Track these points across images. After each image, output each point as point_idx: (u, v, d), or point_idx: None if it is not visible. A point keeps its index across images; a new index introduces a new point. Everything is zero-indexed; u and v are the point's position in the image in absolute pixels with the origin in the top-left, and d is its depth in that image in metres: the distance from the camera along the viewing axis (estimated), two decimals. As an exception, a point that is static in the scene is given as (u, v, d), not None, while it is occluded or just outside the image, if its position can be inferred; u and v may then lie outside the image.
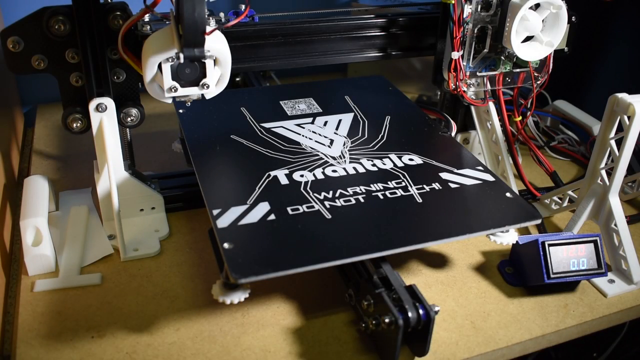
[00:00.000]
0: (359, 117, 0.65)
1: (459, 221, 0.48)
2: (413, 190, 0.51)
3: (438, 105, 0.76)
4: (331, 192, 0.51)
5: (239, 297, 0.45)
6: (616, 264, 0.57)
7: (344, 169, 0.54)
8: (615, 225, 0.57)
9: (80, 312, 0.50)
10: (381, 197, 0.50)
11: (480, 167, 0.55)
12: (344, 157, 0.57)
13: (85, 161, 0.65)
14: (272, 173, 0.53)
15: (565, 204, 0.65)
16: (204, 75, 0.51)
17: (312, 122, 0.63)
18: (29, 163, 0.75)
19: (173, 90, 0.51)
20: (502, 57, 0.64)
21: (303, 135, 0.60)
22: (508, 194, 0.52)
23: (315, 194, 0.50)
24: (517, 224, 0.49)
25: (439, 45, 0.65)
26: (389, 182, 0.52)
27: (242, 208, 0.48)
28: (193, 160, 0.55)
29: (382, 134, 0.61)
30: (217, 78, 0.52)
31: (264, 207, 0.48)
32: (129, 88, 0.57)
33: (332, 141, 0.59)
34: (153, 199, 0.61)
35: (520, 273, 0.55)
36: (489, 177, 0.54)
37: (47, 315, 0.49)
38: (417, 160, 0.56)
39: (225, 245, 0.43)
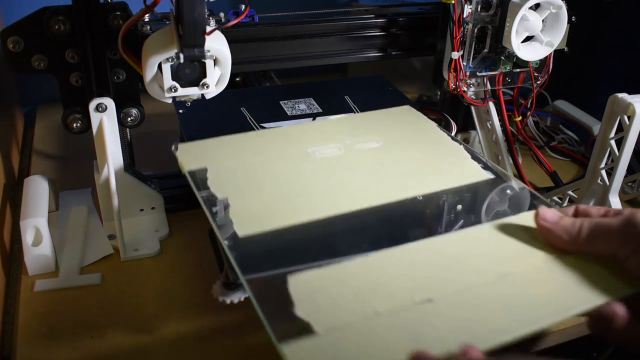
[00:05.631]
0: (359, 117, 0.65)
1: (458, 221, 0.48)
2: (413, 190, 0.51)
3: (438, 105, 0.76)
4: (331, 192, 0.50)
5: (239, 297, 0.45)
6: (616, 264, 0.57)
7: (344, 169, 0.54)
8: (615, 225, 0.56)
9: (80, 312, 0.50)
10: (381, 197, 0.50)
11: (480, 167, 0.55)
12: (344, 157, 0.56)
13: (85, 161, 0.65)
14: (272, 173, 0.53)
15: (565, 204, 0.65)
16: (204, 75, 0.51)
17: (312, 122, 0.63)
18: (29, 163, 0.75)
19: (173, 90, 0.51)
20: (502, 57, 0.64)
21: (303, 135, 0.60)
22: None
23: (315, 194, 0.50)
24: (517, 224, 0.49)
25: (439, 45, 0.65)
26: (389, 182, 0.52)
27: (242, 208, 0.48)
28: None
29: (382, 134, 0.61)
30: (217, 78, 0.52)
31: (264, 207, 0.48)
32: (129, 88, 0.57)
33: (332, 141, 0.59)
34: (153, 199, 0.61)
35: (520, 273, 0.55)
36: (489, 175, 0.54)
37: (47, 315, 0.49)
38: (417, 160, 0.56)
39: (226, 244, 0.43)
